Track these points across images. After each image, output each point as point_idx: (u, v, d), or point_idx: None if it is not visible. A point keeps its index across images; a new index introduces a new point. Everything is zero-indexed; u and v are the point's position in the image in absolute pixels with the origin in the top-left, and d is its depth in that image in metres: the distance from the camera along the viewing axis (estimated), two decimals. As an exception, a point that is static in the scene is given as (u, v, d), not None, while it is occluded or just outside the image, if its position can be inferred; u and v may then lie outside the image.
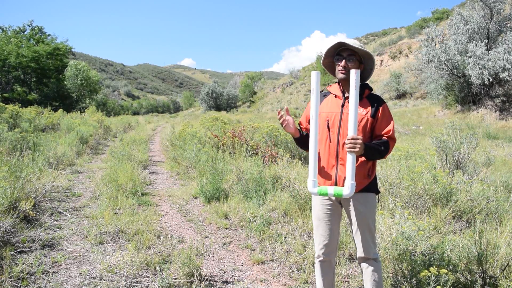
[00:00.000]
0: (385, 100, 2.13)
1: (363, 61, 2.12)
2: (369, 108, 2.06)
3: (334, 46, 2.09)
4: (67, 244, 3.30)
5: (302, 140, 2.21)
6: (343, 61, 2.06)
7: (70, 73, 30.85)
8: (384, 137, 2.05)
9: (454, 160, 4.92)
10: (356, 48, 2.04)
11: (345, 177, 2.02)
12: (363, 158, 2.04)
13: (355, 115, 1.88)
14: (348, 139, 1.89)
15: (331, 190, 1.89)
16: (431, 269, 2.07)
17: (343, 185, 2.04)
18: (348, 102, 2.06)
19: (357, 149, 1.87)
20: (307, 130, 2.24)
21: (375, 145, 1.99)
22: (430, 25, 17.68)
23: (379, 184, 4.08)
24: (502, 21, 15.94)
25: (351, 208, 2.08)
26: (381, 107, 2.06)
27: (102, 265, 2.81)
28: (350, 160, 1.88)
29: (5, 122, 8.91)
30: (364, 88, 2.12)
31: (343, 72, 2.07)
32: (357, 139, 1.88)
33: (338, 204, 2.15)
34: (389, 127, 2.05)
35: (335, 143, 2.07)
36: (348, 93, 2.08)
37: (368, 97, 2.10)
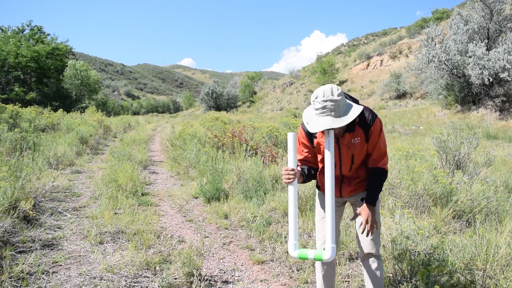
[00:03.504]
0: (377, 115, 2.04)
1: None
2: (363, 134, 2.01)
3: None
4: (67, 244, 3.30)
5: (305, 181, 2.15)
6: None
7: (69, 73, 30.86)
8: (378, 165, 2.04)
9: (454, 160, 4.92)
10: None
11: (350, 189, 2.11)
12: (361, 166, 2.10)
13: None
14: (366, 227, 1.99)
15: (311, 254, 1.85)
16: (429, 267, 2.08)
17: (347, 194, 2.14)
18: (348, 132, 2.00)
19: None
20: (306, 160, 2.15)
21: (377, 190, 2.05)
22: (430, 25, 17.67)
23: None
24: (502, 21, 15.94)
25: (360, 207, 2.13)
26: (371, 129, 1.99)
27: (102, 265, 2.81)
28: (330, 223, 1.82)
29: (5, 122, 8.91)
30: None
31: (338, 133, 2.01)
32: (370, 224, 1.98)
33: (342, 204, 2.25)
34: (381, 145, 2.03)
35: (338, 168, 2.08)
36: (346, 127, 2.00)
37: (359, 123, 2.00)
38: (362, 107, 1.91)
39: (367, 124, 1.98)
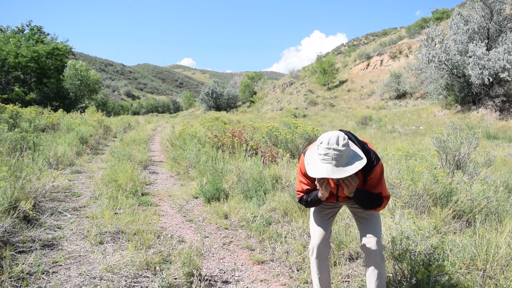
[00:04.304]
0: (380, 158, 2.06)
1: None
2: (361, 176, 2.04)
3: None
4: (67, 244, 3.30)
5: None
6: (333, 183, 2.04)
7: (69, 73, 30.88)
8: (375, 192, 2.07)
9: (454, 160, 4.91)
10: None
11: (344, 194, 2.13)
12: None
13: None
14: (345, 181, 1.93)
15: None
16: (429, 268, 2.08)
17: (344, 200, 2.19)
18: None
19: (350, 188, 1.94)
20: (312, 189, 2.17)
21: (367, 193, 2.03)
22: (430, 25, 17.67)
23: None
24: (502, 21, 15.94)
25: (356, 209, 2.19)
26: (371, 175, 2.02)
27: (102, 265, 2.81)
28: None
29: (5, 122, 8.91)
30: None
31: (337, 183, 2.06)
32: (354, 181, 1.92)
33: (337, 207, 2.33)
34: (379, 189, 2.04)
35: (335, 191, 2.15)
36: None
37: None
38: (365, 161, 1.86)
39: (368, 167, 1.98)
